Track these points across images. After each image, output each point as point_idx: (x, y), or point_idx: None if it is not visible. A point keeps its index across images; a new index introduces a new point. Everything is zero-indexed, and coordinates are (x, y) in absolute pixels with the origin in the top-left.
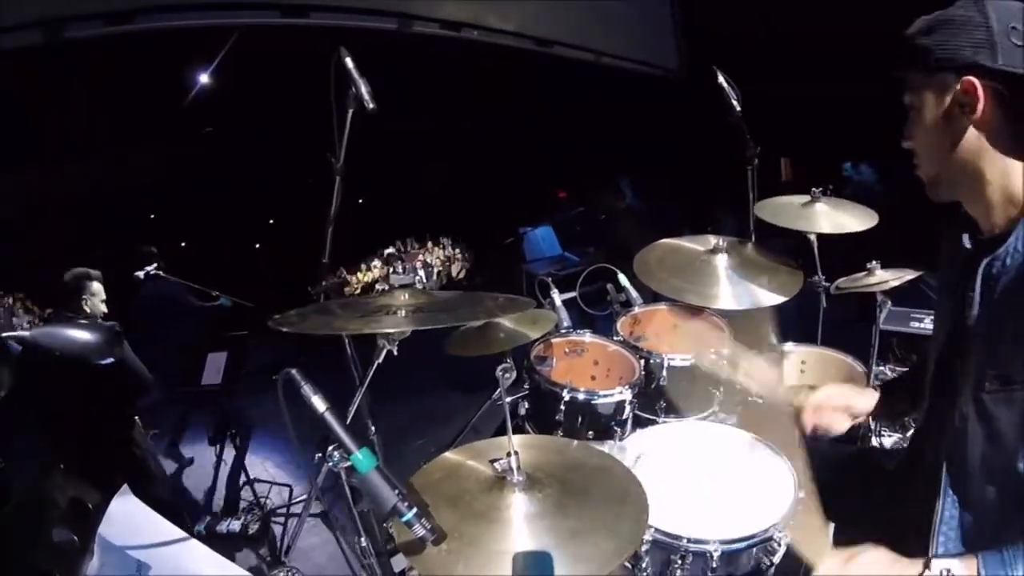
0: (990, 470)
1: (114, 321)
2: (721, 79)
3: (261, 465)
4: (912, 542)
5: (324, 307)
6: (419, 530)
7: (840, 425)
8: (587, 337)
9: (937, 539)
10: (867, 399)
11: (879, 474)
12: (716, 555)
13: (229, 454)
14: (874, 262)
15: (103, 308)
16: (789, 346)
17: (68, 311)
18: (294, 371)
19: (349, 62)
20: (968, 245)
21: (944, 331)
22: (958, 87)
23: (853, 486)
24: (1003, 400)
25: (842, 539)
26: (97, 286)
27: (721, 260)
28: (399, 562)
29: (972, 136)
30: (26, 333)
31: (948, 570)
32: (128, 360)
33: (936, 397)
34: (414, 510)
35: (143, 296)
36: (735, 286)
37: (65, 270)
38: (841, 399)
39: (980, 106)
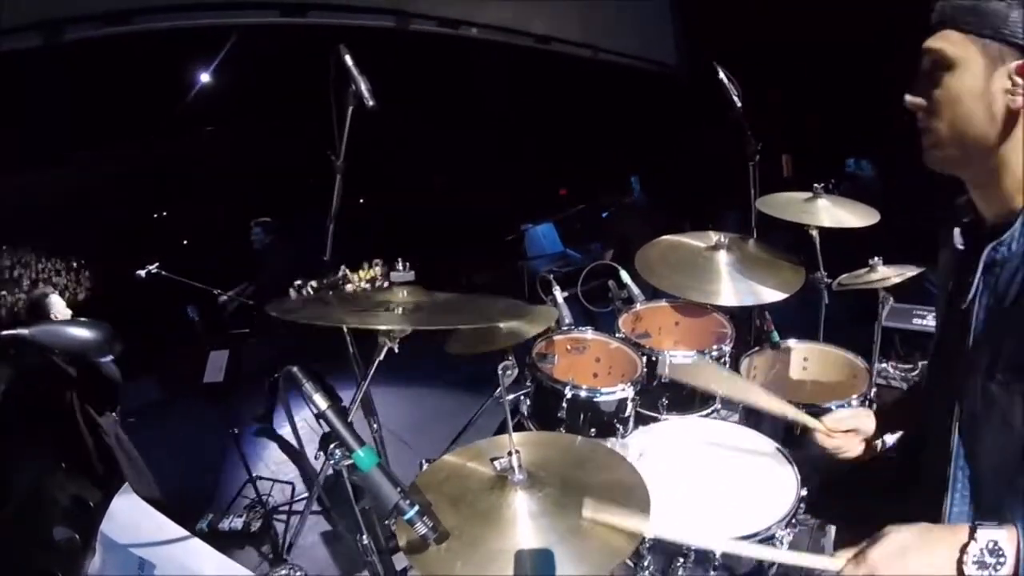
0: (1002, 459)
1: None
2: (722, 75)
3: (263, 463)
4: None
5: (322, 300)
6: (421, 528)
7: (853, 447)
8: (589, 334)
9: None
10: (871, 419)
11: (881, 472)
12: (719, 553)
13: (231, 452)
14: (876, 258)
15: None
16: (791, 342)
17: None
18: (295, 369)
19: (348, 59)
20: (960, 244)
21: (944, 325)
22: (1013, 66)
23: (854, 486)
24: (1014, 389)
25: (846, 540)
26: (57, 300)
27: (723, 256)
28: (401, 560)
29: (1007, 119)
30: (26, 332)
31: (995, 542)
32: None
33: (939, 391)
34: (416, 507)
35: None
36: (737, 282)
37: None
38: (850, 422)
39: None
